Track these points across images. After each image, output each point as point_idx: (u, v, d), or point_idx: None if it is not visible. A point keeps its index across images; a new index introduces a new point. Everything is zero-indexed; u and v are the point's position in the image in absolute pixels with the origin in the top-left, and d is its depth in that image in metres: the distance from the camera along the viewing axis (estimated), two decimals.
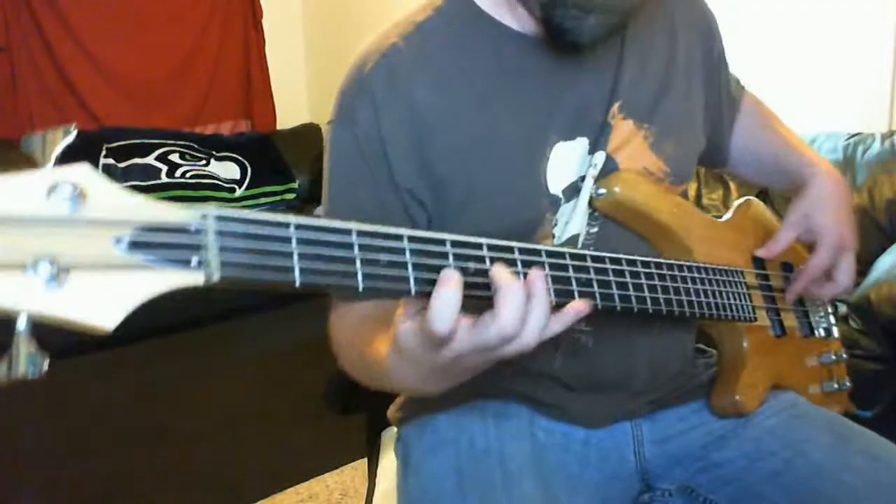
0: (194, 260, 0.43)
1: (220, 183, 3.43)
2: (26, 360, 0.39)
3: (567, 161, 0.79)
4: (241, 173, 3.55)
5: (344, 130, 0.78)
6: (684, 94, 0.88)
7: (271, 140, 3.81)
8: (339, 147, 0.80)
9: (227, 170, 3.51)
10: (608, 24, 0.72)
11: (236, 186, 3.50)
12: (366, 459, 1.16)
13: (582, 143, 0.80)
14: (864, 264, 1.99)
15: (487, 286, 0.55)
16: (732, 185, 2.49)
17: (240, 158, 3.59)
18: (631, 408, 0.87)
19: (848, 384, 1.01)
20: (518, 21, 0.79)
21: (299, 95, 4.26)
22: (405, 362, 0.60)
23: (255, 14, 4.00)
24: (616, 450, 0.86)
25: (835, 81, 2.42)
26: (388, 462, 1.02)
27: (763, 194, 2.33)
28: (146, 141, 3.39)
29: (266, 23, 4.04)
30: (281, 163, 3.68)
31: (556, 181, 0.79)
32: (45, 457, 2.23)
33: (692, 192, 2.58)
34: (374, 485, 1.09)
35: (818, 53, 2.45)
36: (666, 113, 0.85)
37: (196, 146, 3.52)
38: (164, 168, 3.31)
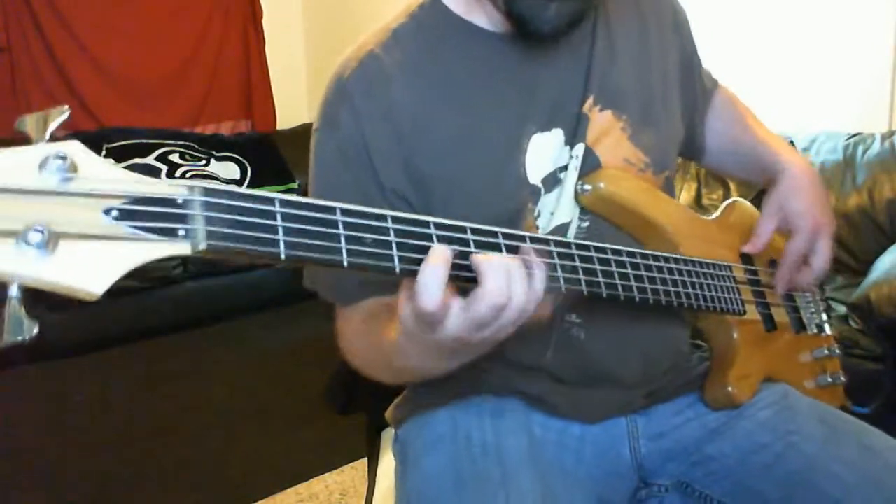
0: (181, 230, 0.44)
1: (220, 183, 3.44)
2: (15, 325, 0.40)
3: (545, 151, 0.82)
4: (241, 173, 3.55)
5: (327, 137, 0.81)
6: (660, 85, 0.90)
7: (271, 140, 3.81)
8: (322, 153, 0.82)
9: (227, 170, 3.51)
10: (569, 13, 0.75)
11: (236, 186, 3.50)
12: (366, 459, 1.16)
13: (558, 133, 0.82)
14: (864, 264, 1.99)
15: (470, 268, 0.57)
16: (732, 186, 2.49)
17: (240, 158, 3.59)
18: (624, 402, 0.87)
19: (842, 378, 1.02)
20: (488, 20, 0.82)
21: (299, 95, 4.26)
22: (411, 343, 0.62)
23: (255, 14, 4.00)
24: (612, 446, 0.87)
25: (835, 81, 2.42)
26: (388, 462, 1.02)
27: (763, 194, 2.33)
28: (146, 141, 3.40)
29: (266, 23, 4.04)
30: (281, 163, 3.68)
31: (535, 171, 0.81)
32: (44, 456, 2.23)
33: (692, 193, 2.58)
34: (374, 485, 1.09)
35: (818, 53, 2.45)
36: (642, 104, 0.87)
37: (196, 146, 3.52)
38: (165, 168, 3.32)
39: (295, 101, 4.20)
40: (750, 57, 2.53)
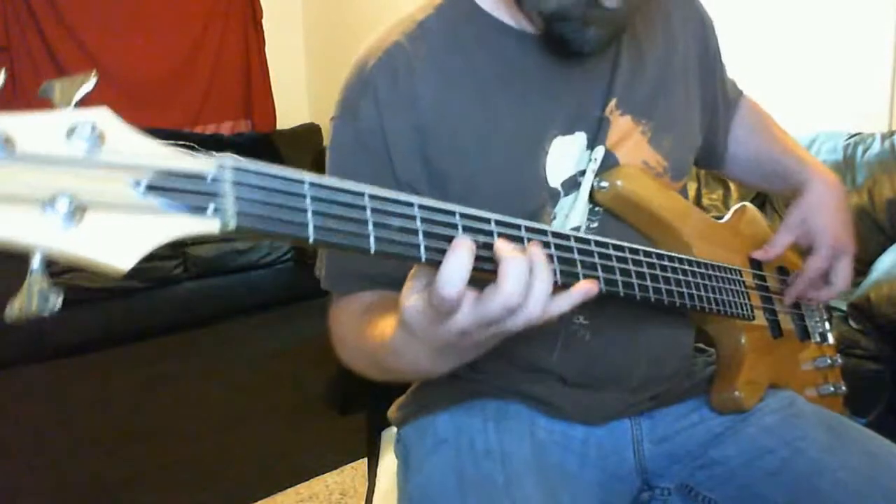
0: (210, 207, 0.43)
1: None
2: (39, 297, 0.39)
3: (566, 155, 0.81)
4: None
5: (346, 126, 0.80)
6: (681, 91, 0.89)
7: (271, 140, 3.82)
8: (340, 141, 0.81)
9: None
10: (609, 34, 0.75)
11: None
12: (366, 459, 1.16)
13: (580, 137, 0.81)
14: (864, 264, 1.99)
15: (491, 259, 0.55)
16: (732, 186, 2.49)
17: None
18: (628, 404, 0.87)
19: (843, 388, 1.02)
20: (517, 20, 0.81)
21: (299, 95, 4.26)
22: (412, 339, 0.60)
23: (255, 14, 4.01)
24: (615, 449, 0.86)
25: (835, 81, 2.42)
26: (388, 462, 1.02)
27: (762, 196, 2.33)
28: None
29: (266, 23, 4.05)
30: (281, 163, 3.65)
31: (556, 175, 0.80)
32: (45, 456, 2.23)
33: (692, 193, 2.58)
34: (374, 485, 1.09)
35: (818, 53, 2.45)
36: (663, 109, 0.86)
37: (196, 146, 3.51)
38: None
39: (295, 101, 4.20)
40: (749, 57, 2.52)
